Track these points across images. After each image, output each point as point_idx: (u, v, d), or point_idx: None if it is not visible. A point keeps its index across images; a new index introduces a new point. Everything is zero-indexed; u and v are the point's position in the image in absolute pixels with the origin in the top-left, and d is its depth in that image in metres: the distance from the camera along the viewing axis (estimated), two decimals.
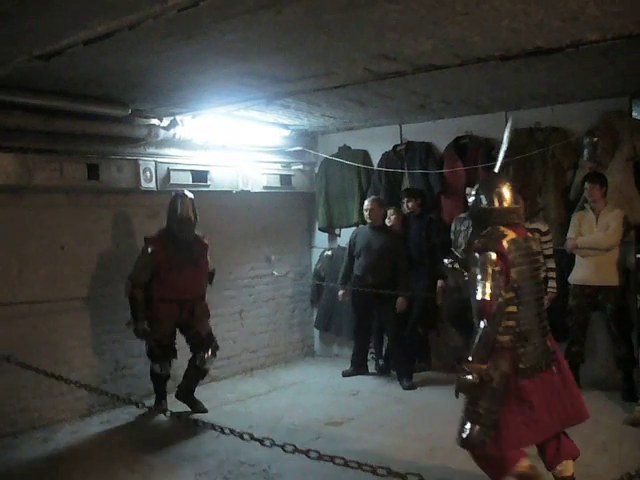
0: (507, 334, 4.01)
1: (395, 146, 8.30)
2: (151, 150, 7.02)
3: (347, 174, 8.62)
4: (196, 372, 6.67)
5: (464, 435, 3.96)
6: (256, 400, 7.05)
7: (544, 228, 6.80)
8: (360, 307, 7.76)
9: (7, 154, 5.78)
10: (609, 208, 6.43)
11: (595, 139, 6.65)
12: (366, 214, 7.61)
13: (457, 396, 3.97)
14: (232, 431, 3.57)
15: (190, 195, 6.46)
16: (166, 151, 7.17)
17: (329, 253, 8.93)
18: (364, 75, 5.40)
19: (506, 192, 4.20)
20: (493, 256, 3.92)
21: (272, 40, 4.35)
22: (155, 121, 6.87)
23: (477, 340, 3.90)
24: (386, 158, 8.33)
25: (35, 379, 6.05)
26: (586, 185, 6.48)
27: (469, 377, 3.84)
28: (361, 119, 7.92)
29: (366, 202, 7.68)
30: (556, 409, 4.07)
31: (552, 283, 6.79)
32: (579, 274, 6.60)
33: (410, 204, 7.63)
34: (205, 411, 6.50)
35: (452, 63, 5.05)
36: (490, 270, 3.89)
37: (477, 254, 3.97)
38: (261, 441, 3.44)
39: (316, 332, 9.26)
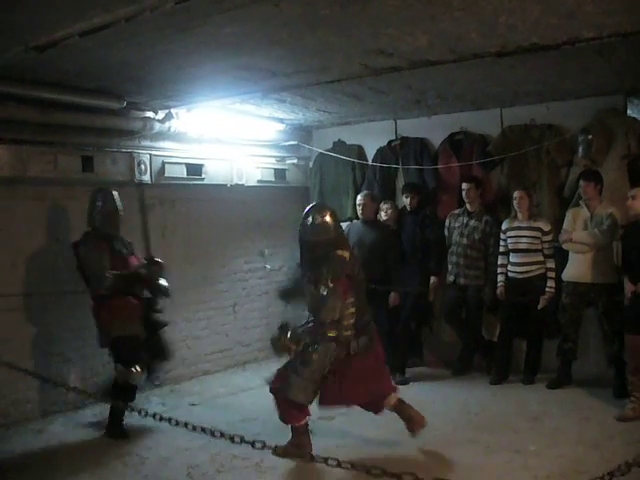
0: (349, 329, 5.06)
1: (390, 141, 8.30)
2: (146, 143, 7.01)
3: (341, 169, 8.61)
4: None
5: (285, 388, 5.05)
6: (249, 394, 7.04)
7: (546, 227, 6.84)
8: None
9: (1, 145, 5.78)
10: (604, 205, 6.44)
11: (590, 137, 6.66)
12: (359, 209, 7.59)
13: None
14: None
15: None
16: (161, 144, 7.17)
17: None
18: (360, 70, 5.41)
19: (329, 217, 5.17)
20: (343, 281, 4.95)
21: (268, 34, 4.35)
22: (150, 114, 6.85)
23: (304, 330, 5.09)
24: (381, 153, 8.34)
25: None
26: (581, 183, 6.49)
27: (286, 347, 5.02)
28: (356, 114, 7.91)
29: (359, 197, 7.66)
30: (369, 383, 5.20)
31: (550, 283, 6.82)
32: (572, 271, 6.61)
33: (411, 199, 7.61)
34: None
35: (448, 59, 5.06)
36: (339, 294, 4.92)
37: (330, 283, 4.90)
38: (252, 444, 3.47)
39: None
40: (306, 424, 5.25)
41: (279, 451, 5.11)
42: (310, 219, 5.14)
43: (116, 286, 5.69)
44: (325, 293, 4.92)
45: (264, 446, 3.46)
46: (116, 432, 5.73)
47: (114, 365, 5.80)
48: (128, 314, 5.76)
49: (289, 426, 5.25)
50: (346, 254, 5.11)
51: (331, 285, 4.90)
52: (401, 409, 5.41)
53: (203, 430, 3.63)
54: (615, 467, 2.72)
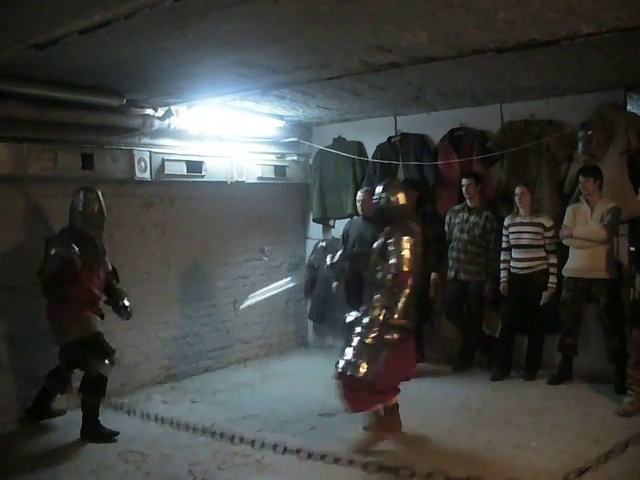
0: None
1: (390, 138, 8.30)
2: (146, 140, 7.00)
3: (341, 165, 8.62)
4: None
5: (358, 371, 4.99)
6: (249, 391, 7.05)
7: (548, 223, 6.84)
8: (354, 298, 7.76)
9: (1, 143, 5.76)
10: (604, 201, 6.44)
11: (589, 132, 6.65)
12: (359, 205, 7.60)
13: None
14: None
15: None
16: (161, 141, 7.17)
17: (323, 244, 8.91)
18: (359, 66, 5.40)
19: (402, 193, 5.56)
20: (412, 241, 5.22)
21: (268, 31, 4.34)
22: (150, 111, 6.85)
23: (401, 301, 5.08)
24: (381, 150, 8.34)
25: (30, 369, 6.08)
26: (580, 178, 6.49)
27: (395, 335, 5.07)
28: (356, 110, 7.91)
29: (359, 193, 7.67)
30: (400, 369, 5.29)
31: (552, 279, 6.83)
32: (573, 267, 6.61)
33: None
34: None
35: (447, 55, 5.05)
36: (410, 249, 5.18)
37: (404, 237, 5.19)
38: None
39: (310, 323, 9.27)
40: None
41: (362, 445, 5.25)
42: (386, 192, 5.54)
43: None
44: (397, 248, 5.18)
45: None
46: (95, 432, 5.63)
47: (82, 364, 5.73)
48: (88, 313, 5.79)
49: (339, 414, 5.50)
50: (417, 228, 5.51)
51: (404, 240, 5.20)
52: (392, 411, 5.44)
53: None
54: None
